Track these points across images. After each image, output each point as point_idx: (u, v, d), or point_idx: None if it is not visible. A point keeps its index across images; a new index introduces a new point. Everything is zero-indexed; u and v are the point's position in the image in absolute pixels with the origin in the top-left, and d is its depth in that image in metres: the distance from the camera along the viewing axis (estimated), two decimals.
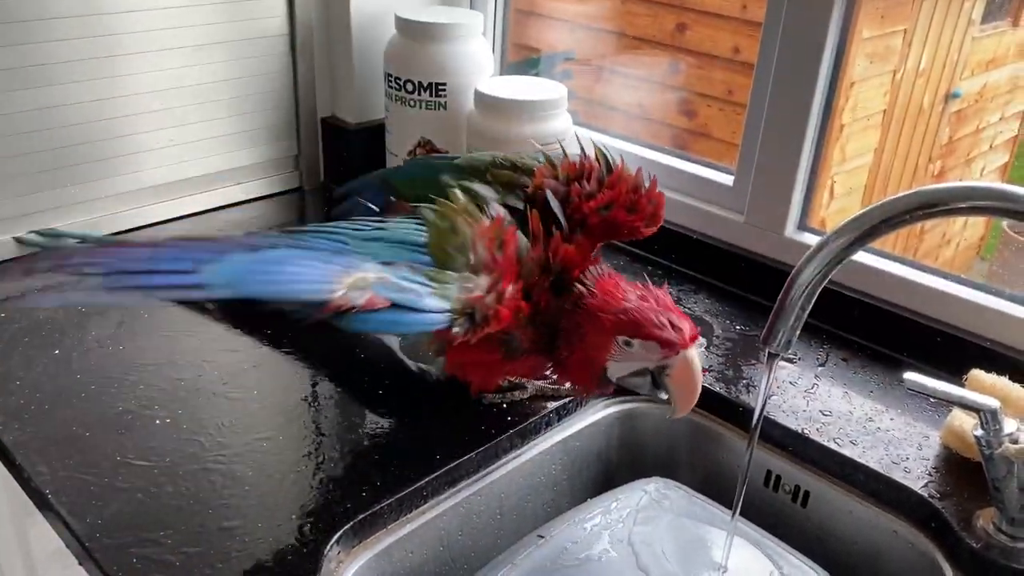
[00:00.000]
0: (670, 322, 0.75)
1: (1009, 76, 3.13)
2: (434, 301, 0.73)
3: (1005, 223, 3.18)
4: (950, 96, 2.78)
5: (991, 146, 3.19)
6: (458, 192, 0.84)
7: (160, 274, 0.68)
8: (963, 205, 0.59)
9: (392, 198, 1.00)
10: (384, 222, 0.83)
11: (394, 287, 0.72)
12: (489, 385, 0.88)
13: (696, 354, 0.76)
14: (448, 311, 0.73)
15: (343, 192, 1.13)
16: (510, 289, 0.77)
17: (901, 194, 0.60)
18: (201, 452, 0.80)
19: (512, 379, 0.91)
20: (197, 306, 1.03)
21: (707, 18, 2.38)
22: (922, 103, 2.68)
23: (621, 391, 0.95)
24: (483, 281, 0.76)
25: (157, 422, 0.84)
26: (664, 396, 0.78)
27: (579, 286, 0.79)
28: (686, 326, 0.75)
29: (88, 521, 0.72)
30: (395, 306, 0.71)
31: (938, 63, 2.66)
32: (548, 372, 0.88)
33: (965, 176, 3.07)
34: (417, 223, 0.82)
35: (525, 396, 0.90)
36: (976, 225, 3.36)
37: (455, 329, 0.74)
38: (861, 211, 0.61)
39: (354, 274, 0.70)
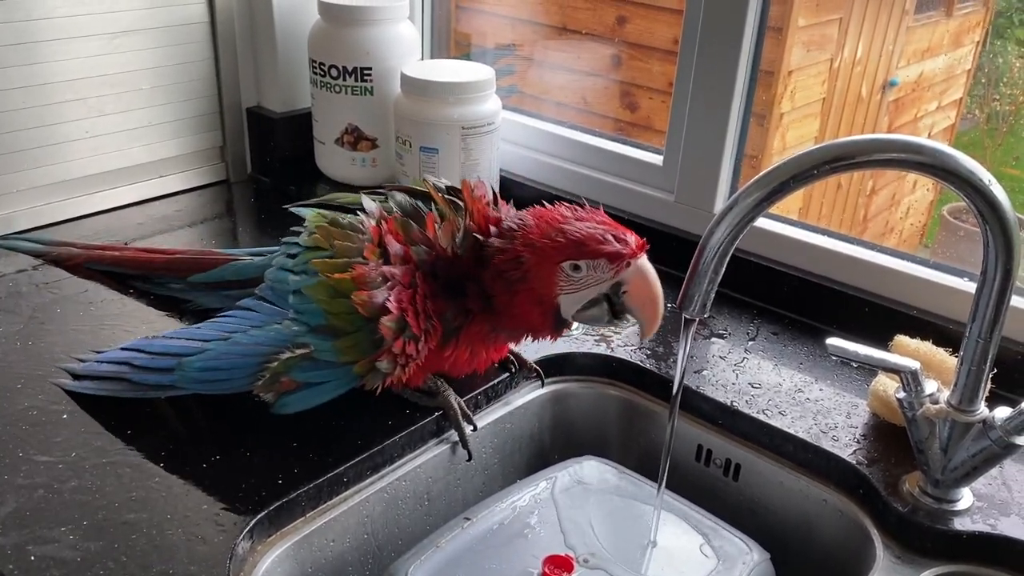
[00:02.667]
0: (613, 236, 0.72)
1: (945, 65, 3.20)
2: (342, 368, 0.76)
3: (945, 210, 3.25)
4: (887, 85, 2.83)
5: (930, 134, 3.25)
6: (325, 223, 0.82)
7: (147, 371, 0.81)
8: (872, 158, 0.58)
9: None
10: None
11: (307, 366, 0.76)
12: (418, 379, 0.83)
13: (648, 263, 0.73)
14: (356, 376, 0.76)
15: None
16: (415, 305, 0.76)
17: (810, 148, 0.59)
18: (109, 446, 0.77)
19: (430, 382, 0.85)
20: (112, 293, 0.99)
21: (647, 10, 2.39)
22: (860, 92, 2.72)
23: (550, 371, 0.93)
24: (385, 332, 0.74)
25: (64, 417, 0.80)
26: (629, 321, 0.75)
27: (509, 224, 0.77)
28: (631, 237, 0.72)
29: None
30: (307, 385, 0.76)
31: (874, 52, 2.70)
32: (495, 330, 0.81)
33: None
34: (290, 262, 0.83)
35: (432, 404, 0.84)
36: (918, 213, 3.42)
37: (372, 382, 0.77)
38: (769, 168, 0.60)
39: (273, 359, 0.76)
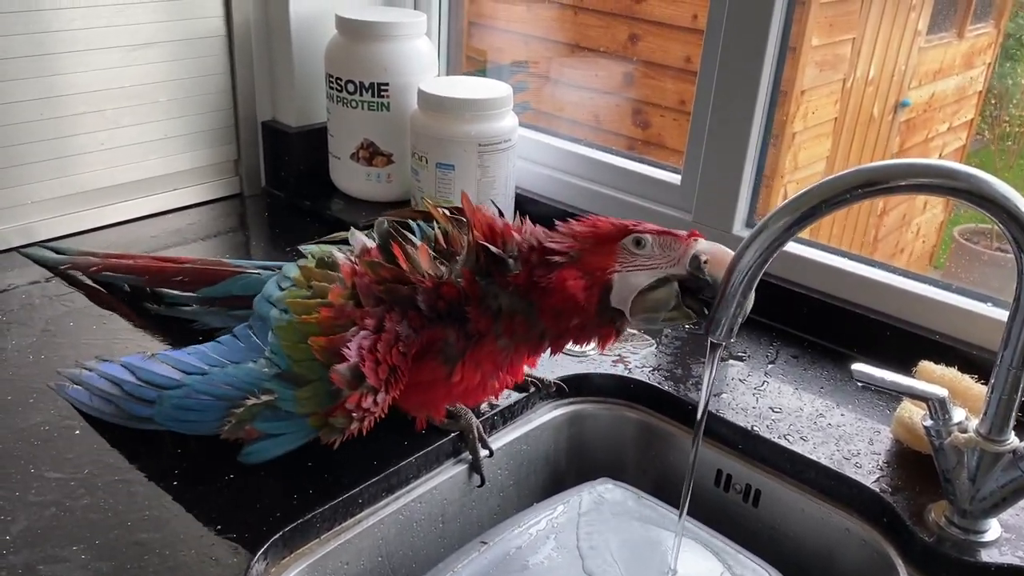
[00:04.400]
0: (665, 230, 0.69)
1: (956, 87, 3.19)
2: (301, 420, 0.72)
3: (956, 231, 3.24)
4: (899, 105, 2.82)
5: (940, 155, 3.24)
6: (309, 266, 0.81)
7: (132, 400, 0.80)
8: (904, 183, 0.57)
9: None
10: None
11: (268, 416, 0.73)
12: (438, 411, 0.80)
13: None
14: (312, 429, 0.72)
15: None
16: (380, 350, 0.70)
17: (842, 172, 0.58)
18: (122, 463, 0.76)
19: (452, 407, 0.83)
20: (124, 307, 0.98)
21: (659, 28, 2.39)
22: (872, 112, 2.71)
23: (566, 392, 0.92)
24: (341, 373, 0.69)
25: (77, 433, 0.79)
26: (692, 318, 0.67)
27: (537, 234, 0.71)
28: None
29: None
30: (267, 435, 0.74)
31: (886, 72, 2.70)
32: (509, 347, 0.74)
33: None
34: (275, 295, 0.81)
35: (454, 428, 0.82)
36: (929, 234, 3.40)
37: (329, 437, 0.72)
38: (800, 192, 0.59)
39: (240, 405, 0.74)
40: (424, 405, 0.79)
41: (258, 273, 0.93)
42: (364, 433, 0.72)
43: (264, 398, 0.73)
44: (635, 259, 0.68)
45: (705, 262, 0.66)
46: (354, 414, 0.69)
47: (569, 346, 0.77)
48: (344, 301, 0.74)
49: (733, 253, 0.64)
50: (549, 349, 0.75)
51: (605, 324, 0.71)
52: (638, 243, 0.68)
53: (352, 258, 0.78)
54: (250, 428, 0.73)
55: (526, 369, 0.86)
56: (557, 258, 0.70)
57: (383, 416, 0.72)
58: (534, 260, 0.71)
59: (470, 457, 0.84)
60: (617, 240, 0.68)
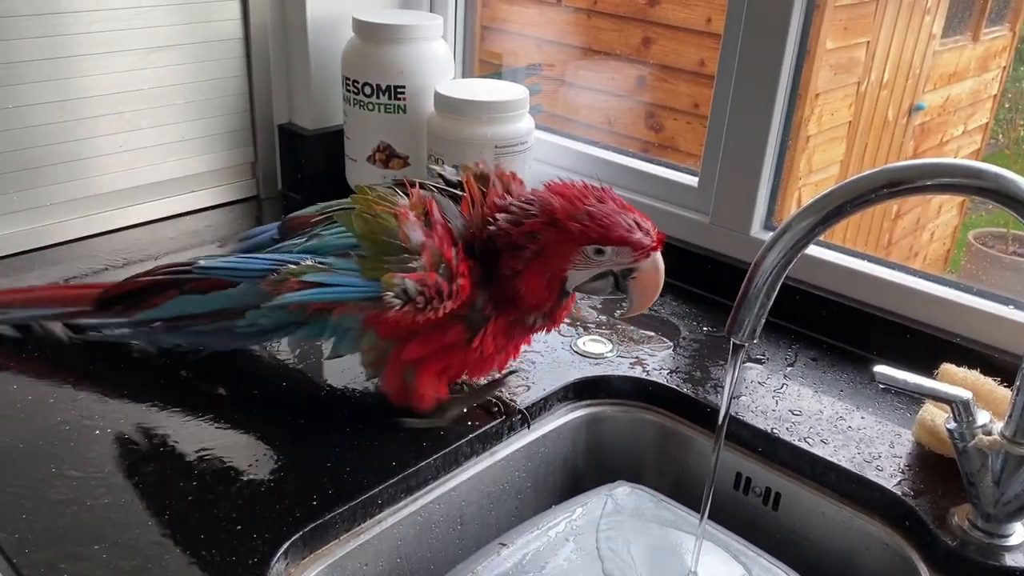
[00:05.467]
0: (637, 224, 0.73)
1: (970, 90, 3.18)
2: (361, 280, 0.74)
3: (971, 235, 3.22)
4: (913, 109, 2.81)
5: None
6: (367, 189, 0.81)
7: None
8: (930, 182, 0.57)
9: (285, 216, 0.90)
10: (310, 238, 0.81)
11: (323, 270, 0.75)
12: (442, 390, 0.82)
13: (660, 256, 0.75)
14: (379, 286, 0.73)
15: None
16: (454, 257, 0.74)
17: (866, 172, 0.58)
18: (142, 463, 0.76)
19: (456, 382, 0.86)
20: None
21: (672, 32, 2.39)
22: (886, 115, 2.70)
23: (584, 394, 0.92)
24: (424, 260, 0.73)
25: (96, 432, 0.79)
26: (621, 295, 0.78)
27: (522, 201, 0.76)
28: (651, 226, 0.74)
29: (17, 536, 0.67)
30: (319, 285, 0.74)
31: (901, 76, 2.69)
32: (517, 320, 0.79)
33: None
34: (339, 229, 0.79)
35: (461, 410, 0.85)
36: (943, 238, 3.39)
37: (390, 302, 0.72)
38: (825, 191, 0.59)
39: (288, 266, 0.75)
40: (441, 373, 0.80)
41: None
42: (421, 321, 0.74)
43: (319, 264, 0.75)
44: (590, 263, 0.75)
45: (633, 277, 0.76)
46: (428, 291, 0.72)
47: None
48: (418, 214, 0.77)
49: (663, 277, 0.75)
50: (544, 329, 0.81)
51: (560, 301, 0.79)
52: (599, 252, 0.74)
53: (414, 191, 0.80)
54: (295, 281, 0.74)
55: (499, 393, 0.88)
56: (526, 250, 0.75)
57: (445, 313, 0.74)
58: (502, 244, 0.76)
59: (492, 455, 0.84)
60: (580, 244, 0.74)
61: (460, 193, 0.81)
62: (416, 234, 0.75)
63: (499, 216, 0.77)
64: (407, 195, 0.79)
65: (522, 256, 0.75)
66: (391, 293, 0.72)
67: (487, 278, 0.77)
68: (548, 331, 0.83)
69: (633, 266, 0.75)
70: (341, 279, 0.74)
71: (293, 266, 0.75)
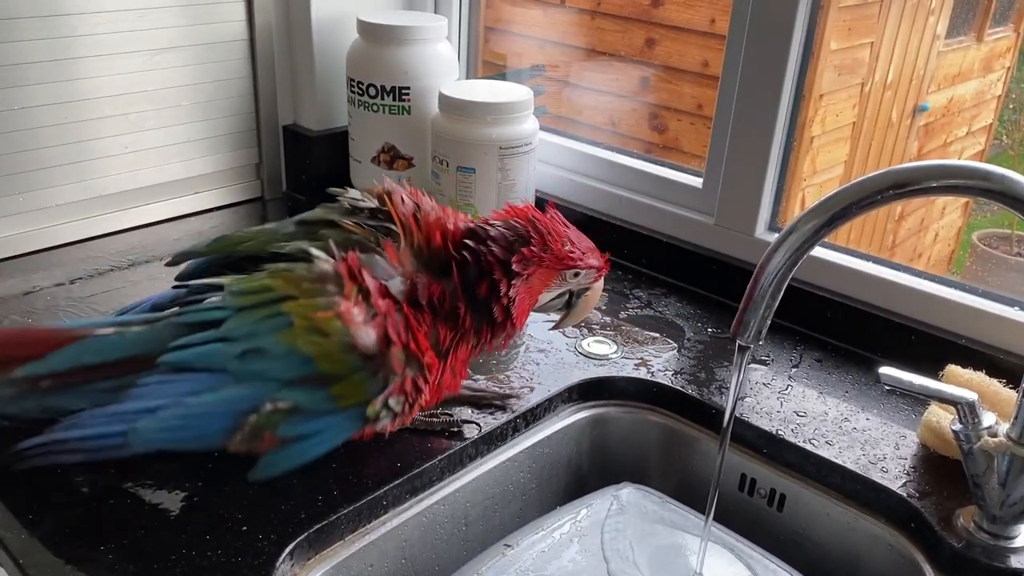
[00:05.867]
0: (595, 249, 0.82)
1: (975, 90, 3.17)
2: (341, 415, 0.71)
3: (975, 236, 3.21)
4: (918, 109, 2.81)
5: (959, 159, 3.21)
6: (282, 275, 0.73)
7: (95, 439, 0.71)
8: (936, 184, 0.57)
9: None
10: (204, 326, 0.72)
11: (296, 420, 0.70)
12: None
13: None
14: (364, 419, 0.72)
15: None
16: (409, 336, 0.71)
17: (873, 174, 0.58)
18: (147, 464, 0.76)
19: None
20: None
21: (676, 33, 2.38)
22: (890, 116, 2.70)
23: (588, 395, 0.92)
24: (392, 363, 0.70)
25: None
26: (560, 313, 0.85)
27: (504, 230, 0.77)
28: (598, 251, 0.82)
29: (23, 537, 0.68)
30: (299, 438, 0.70)
31: (905, 76, 2.69)
32: (476, 344, 0.79)
33: None
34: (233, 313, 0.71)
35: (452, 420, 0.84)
36: (947, 239, 3.38)
37: (380, 424, 0.73)
38: (830, 193, 0.59)
39: (251, 415, 0.69)
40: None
41: (115, 331, 0.74)
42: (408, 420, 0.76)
43: (282, 405, 0.69)
44: (562, 283, 0.81)
45: (584, 297, 0.83)
46: (410, 396, 0.72)
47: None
48: (356, 296, 0.71)
49: (597, 302, 0.84)
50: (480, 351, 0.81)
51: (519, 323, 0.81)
52: (576, 274, 0.80)
53: (338, 256, 0.73)
54: (269, 435, 0.69)
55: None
56: (519, 280, 0.77)
57: (429, 401, 0.77)
58: (489, 270, 0.76)
59: (496, 456, 0.84)
60: (562, 269, 0.79)
61: (387, 225, 0.77)
62: (369, 336, 0.70)
63: (486, 242, 0.76)
64: (331, 272, 0.72)
65: (515, 283, 0.77)
66: (379, 422, 0.72)
67: (448, 312, 0.75)
68: (500, 351, 0.89)
69: (589, 285, 0.82)
70: (320, 423, 0.70)
71: (254, 416, 0.68)
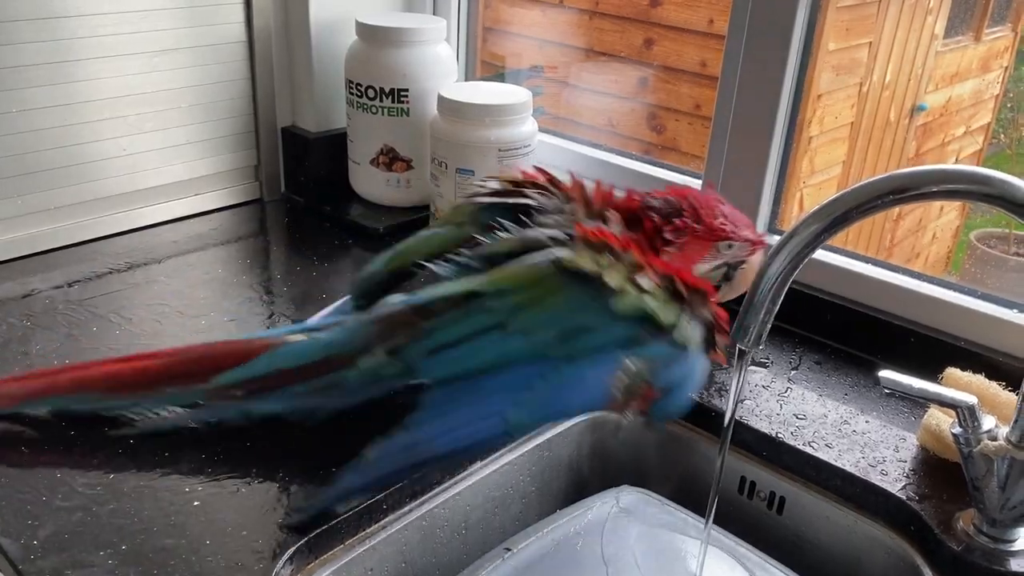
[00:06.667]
0: (751, 225, 0.85)
1: (972, 90, 3.18)
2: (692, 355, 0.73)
3: (973, 236, 3.22)
4: (915, 109, 2.81)
5: (957, 159, 3.22)
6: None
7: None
8: (936, 189, 0.57)
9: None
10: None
11: (660, 370, 0.71)
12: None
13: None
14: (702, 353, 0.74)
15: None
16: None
17: (873, 178, 0.58)
18: (148, 468, 0.76)
19: None
20: (146, 311, 0.99)
21: (674, 33, 2.38)
22: (888, 116, 2.70)
23: None
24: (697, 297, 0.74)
25: (102, 438, 0.79)
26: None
27: (660, 203, 0.82)
28: (754, 227, 0.85)
29: (22, 543, 0.67)
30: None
31: (903, 76, 2.69)
32: None
33: None
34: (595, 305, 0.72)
35: None
36: (945, 239, 3.39)
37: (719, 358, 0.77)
38: (831, 197, 0.59)
39: (619, 376, 0.69)
40: None
41: (307, 337, 0.77)
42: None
43: (640, 364, 0.69)
44: (717, 255, 0.83)
45: (743, 268, 0.84)
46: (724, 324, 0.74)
47: None
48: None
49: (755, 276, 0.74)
50: None
51: None
52: (729, 246, 0.83)
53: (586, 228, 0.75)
54: (648, 389, 0.70)
55: None
56: (671, 248, 0.81)
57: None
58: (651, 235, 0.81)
59: (496, 460, 0.84)
60: (715, 240, 0.82)
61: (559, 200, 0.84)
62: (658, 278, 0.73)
63: (647, 210, 0.82)
64: (599, 244, 0.74)
65: (669, 250, 0.81)
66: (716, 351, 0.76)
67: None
68: None
69: (745, 259, 0.84)
70: (682, 365, 0.71)
71: (623, 376, 0.69)
